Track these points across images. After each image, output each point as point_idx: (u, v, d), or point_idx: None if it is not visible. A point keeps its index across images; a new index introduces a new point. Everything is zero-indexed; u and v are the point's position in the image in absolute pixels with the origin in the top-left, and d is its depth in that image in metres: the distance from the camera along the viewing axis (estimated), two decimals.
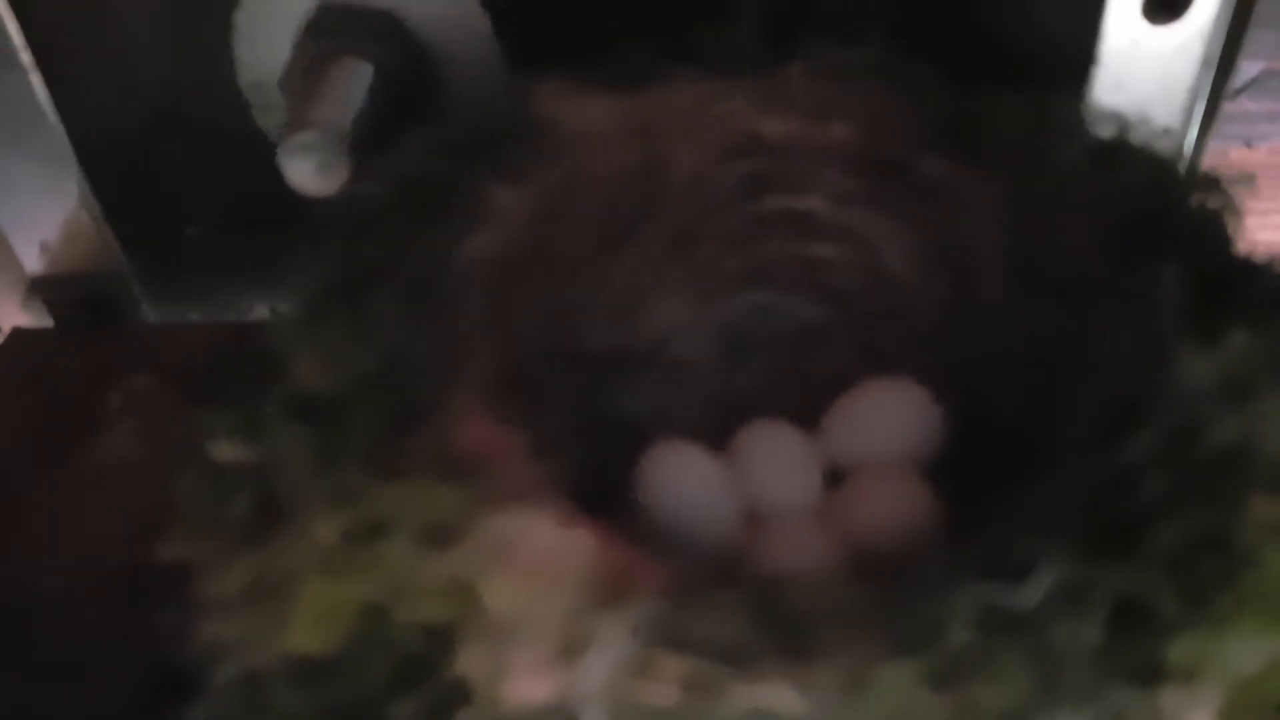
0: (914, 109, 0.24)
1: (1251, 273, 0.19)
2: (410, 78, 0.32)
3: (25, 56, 0.34)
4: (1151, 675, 0.15)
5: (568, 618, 0.15)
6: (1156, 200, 0.19)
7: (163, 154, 0.37)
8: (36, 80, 0.35)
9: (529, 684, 0.15)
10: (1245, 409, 0.17)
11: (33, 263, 0.39)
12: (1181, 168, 0.25)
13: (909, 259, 0.25)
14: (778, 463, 0.23)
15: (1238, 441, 0.16)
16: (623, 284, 0.26)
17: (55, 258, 0.39)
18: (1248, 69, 0.34)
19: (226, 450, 0.19)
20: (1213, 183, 0.20)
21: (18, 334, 0.40)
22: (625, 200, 0.25)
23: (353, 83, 0.31)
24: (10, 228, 0.38)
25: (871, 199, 0.24)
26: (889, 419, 0.23)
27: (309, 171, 0.28)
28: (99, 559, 0.30)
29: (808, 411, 0.25)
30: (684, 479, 0.22)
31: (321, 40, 0.32)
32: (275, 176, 0.33)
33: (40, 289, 0.39)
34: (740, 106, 0.24)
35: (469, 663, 0.15)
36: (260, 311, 0.39)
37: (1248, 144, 0.36)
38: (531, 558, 0.16)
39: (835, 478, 0.24)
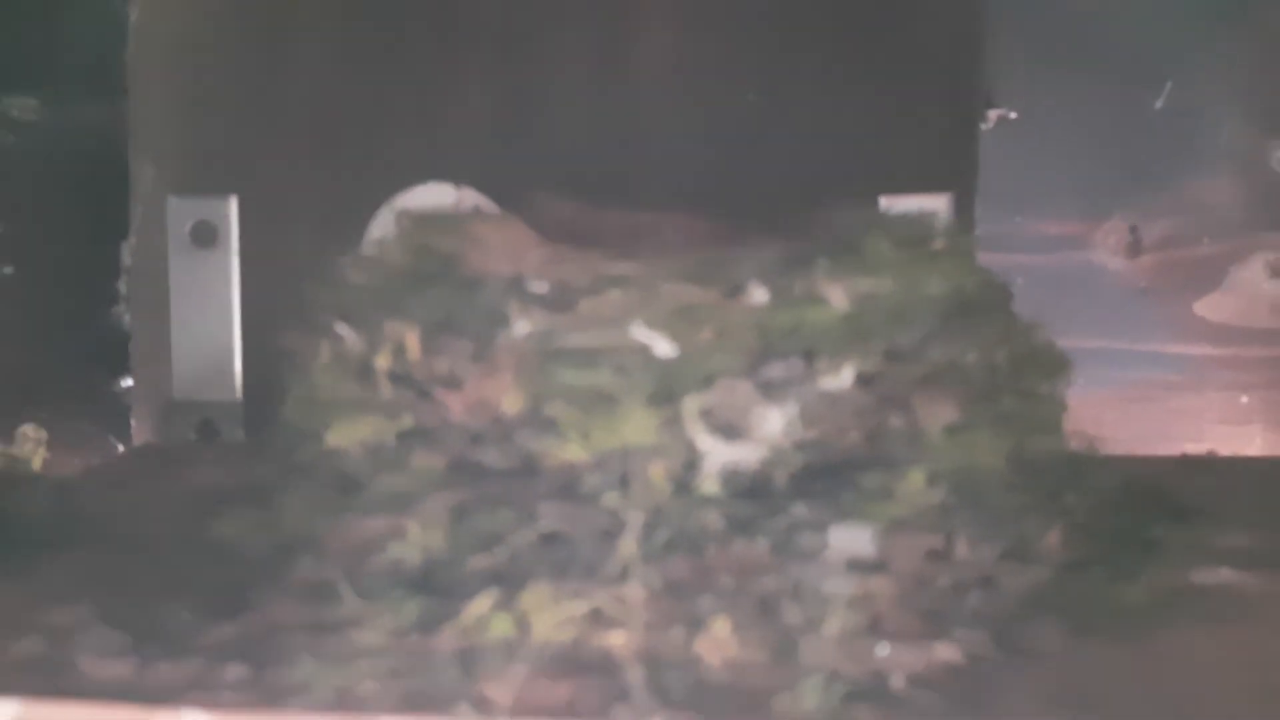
0: None
1: None
2: None
3: (235, 242, 0.54)
4: None
5: None
6: None
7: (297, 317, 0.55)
8: (235, 260, 0.54)
9: None
10: None
11: (182, 387, 0.55)
12: None
13: None
14: None
15: None
16: None
17: (193, 384, 0.54)
18: None
19: None
20: None
21: (145, 446, 0.55)
22: None
23: None
24: (177, 355, 0.55)
25: None
26: None
27: None
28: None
29: None
30: None
31: None
32: None
33: (176, 409, 0.55)
34: None
35: None
36: None
37: None
38: None
39: None
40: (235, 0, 0.57)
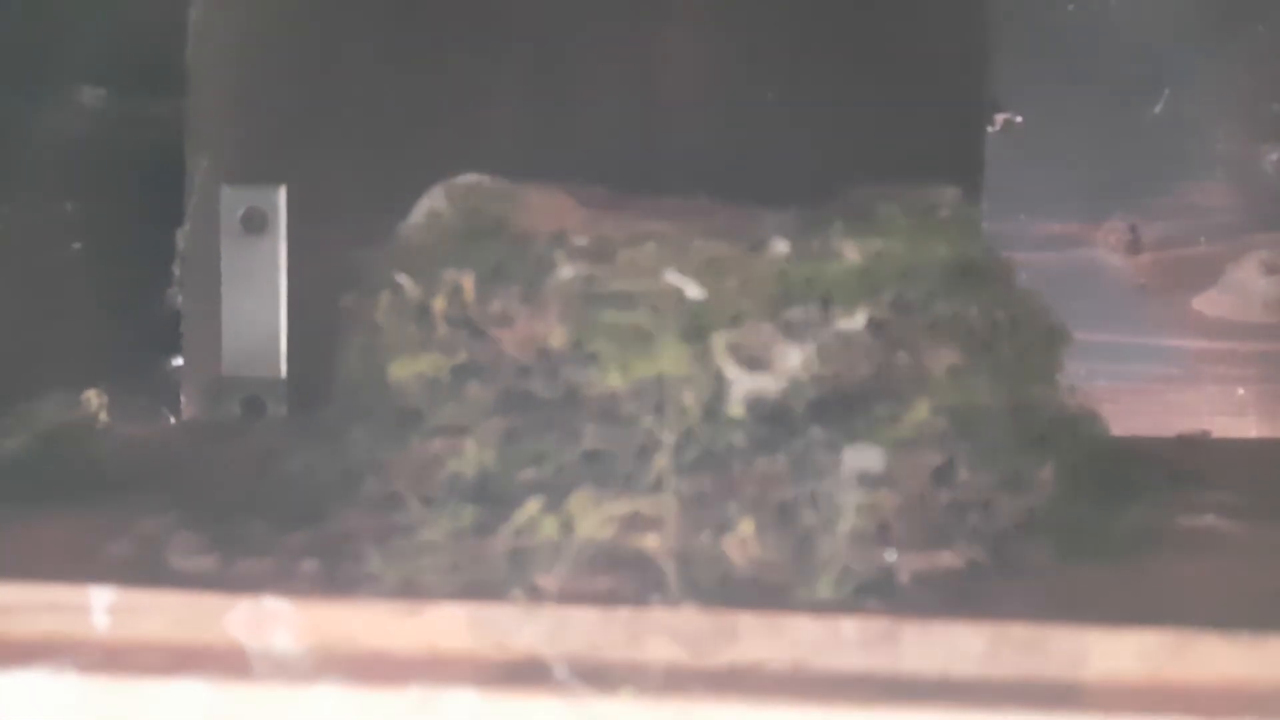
0: None
1: None
2: None
3: (283, 229, 0.58)
4: None
5: None
6: None
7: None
8: (283, 245, 0.58)
9: None
10: None
11: (230, 365, 0.58)
12: None
13: None
14: None
15: None
16: None
17: (240, 362, 0.58)
18: None
19: None
20: None
21: (195, 419, 0.58)
22: None
23: None
24: (226, 335, 0.58)
25: None
26: None
27: None
28: None
29: None
30: None
31: None
32: None
33: (224, 385, 0.58)
34: None
35: None
36: None
37: None
38: None
39: None
40: (287, 3, 0.61)
